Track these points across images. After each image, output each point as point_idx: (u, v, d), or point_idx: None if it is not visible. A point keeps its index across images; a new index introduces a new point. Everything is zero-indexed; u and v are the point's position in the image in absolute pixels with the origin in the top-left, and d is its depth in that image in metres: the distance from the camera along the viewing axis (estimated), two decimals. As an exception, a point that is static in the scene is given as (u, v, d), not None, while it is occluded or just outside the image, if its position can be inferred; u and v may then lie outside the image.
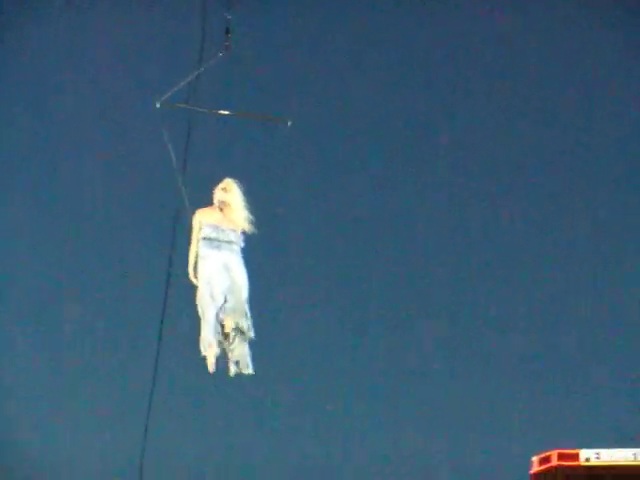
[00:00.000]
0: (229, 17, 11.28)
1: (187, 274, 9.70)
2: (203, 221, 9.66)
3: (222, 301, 9.51)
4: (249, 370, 9.67)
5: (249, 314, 9.71)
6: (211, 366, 9.53)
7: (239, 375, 9.70)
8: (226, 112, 10.93)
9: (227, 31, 11.40)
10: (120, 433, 14.11)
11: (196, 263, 9.66)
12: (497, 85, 15.52)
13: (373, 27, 15.50)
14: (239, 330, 9.64)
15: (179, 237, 10.40)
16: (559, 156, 15.23)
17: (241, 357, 9.63)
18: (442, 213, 15.37)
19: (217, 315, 9.54)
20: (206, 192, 10.01)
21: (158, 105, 10.67)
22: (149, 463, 11.34)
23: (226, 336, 9.62)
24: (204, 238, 9.60)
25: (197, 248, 9.59)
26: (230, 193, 9.73)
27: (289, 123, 10.39)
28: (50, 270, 14.93)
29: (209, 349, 9.50)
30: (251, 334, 9.79)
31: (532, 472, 32.48)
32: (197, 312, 9.74)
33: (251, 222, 9.73)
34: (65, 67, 14.97)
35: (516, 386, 15.29)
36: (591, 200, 15.75)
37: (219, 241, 9.56)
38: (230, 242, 9.57)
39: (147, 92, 14.81)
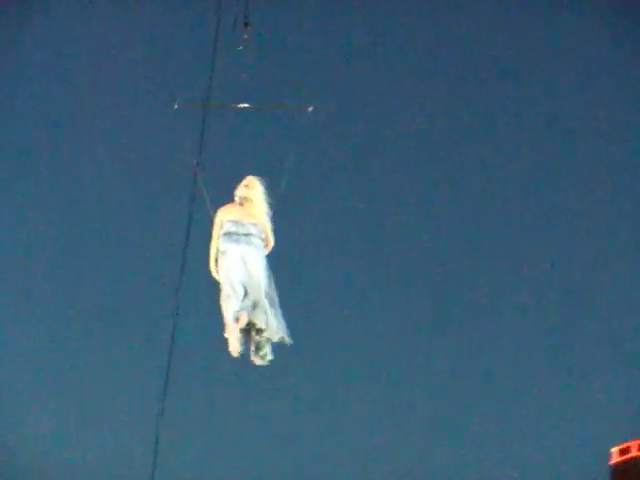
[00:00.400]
0: (248, 9, 10.98)
1: (209, 271, 9.59)
2: (224, 218, 9.57)
3: (242, 292, 9.39)
4: (266, 359, 9.54)
5: (270, 310, 9.47)
6: (235, 351, 9.38)
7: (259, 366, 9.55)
8: (245, 105, 10.68)
9: (246, 24, 11.08)
10: (130, 436, 13.71)
11: (217, 259, 9.55)
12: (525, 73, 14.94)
13: (396, 13, 15.00)
14: (254, 327, 9.44)
15: (194, 235, 10.37)
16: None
17: (260, 347, 9.48)
18: (469, 201, 14.81)
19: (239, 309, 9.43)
20: (226, 189, 9.83)
21: (176, 106, 10.45)
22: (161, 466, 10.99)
23: (243, 331, 9.46)
24: (224, 234, 9.51)
25: (217, 244, 9.51)
26: (252, 189, 9.63)
27: (310, 109, 10.08)
28: (64, 263, 14.69)
29: (231, 334, 9.40)
30: (270, 332, 9.50)
31: (612, 463, 31.76)
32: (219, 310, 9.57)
33: (270, 217, 9.60)
34: (75, 64, 14.70)
35: (594, 376, 14.64)
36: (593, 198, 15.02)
37: (238, 235, 9.45)
38: (248, 235, 9.45)
39: (161, 89, 14.47)
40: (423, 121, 14.98)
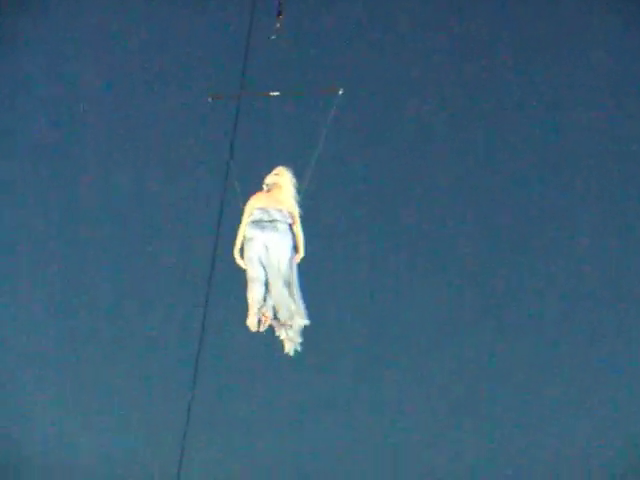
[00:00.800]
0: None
1: (234, 259, 9.73)
2: (255, 205, 9.67)
3: (264, 277, 9.52)
4: (293, 349, 9.63)
5: (293, 300, 9.56)
6: (252, 326, 9.52)
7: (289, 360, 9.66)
8: (276, 93, 10.66)
9: (279, 13, 11.04)
10: (154, 439, 13.64)
11: (243, 247, 9.66)
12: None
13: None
14: (278, 321, 9.58)
15: (225, 226, 10.23)
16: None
17: (288, 338, 9.60)
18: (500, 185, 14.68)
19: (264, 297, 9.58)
20: (258, 179, 9.91)
21: (209, 99, 10.55)
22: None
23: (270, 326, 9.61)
24: (252, 221, 9.62)
25: (244, 231, 9.64)
26: (282, 176, 9.74)
27: (340, 92, 10.06)
28: (78, 256, 14.68)
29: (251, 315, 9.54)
30: (294, 322, 9.53)
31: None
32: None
33: (297, 201, 9.72)
34: (105, 55, 14.67)
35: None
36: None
37: (263, 222, 9.55)
38: (273, 221, 9.55)
39: (194, 81, 14.42)
40: (457, 104, 14.81)
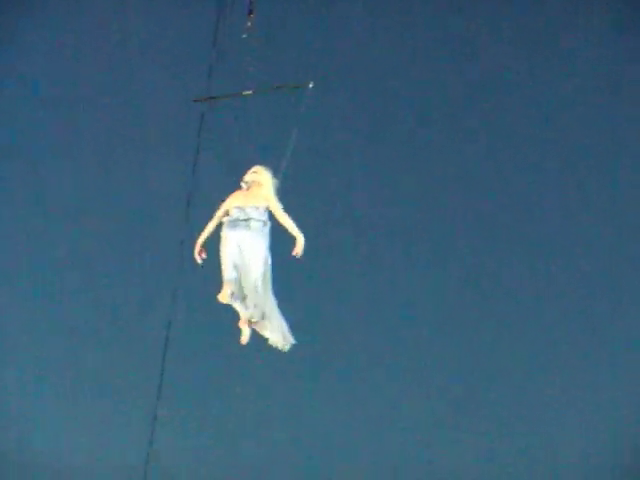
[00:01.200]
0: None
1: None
2: (232, 204, 9.58)
3: (235, 277, 9.41)
4: (283, 345, 9.59)
5: (262, 297, 9.47)
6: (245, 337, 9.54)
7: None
8: (247, 92, 10.63)
9: (250, 12, 10.99)
10: (124, 431, 13.59)
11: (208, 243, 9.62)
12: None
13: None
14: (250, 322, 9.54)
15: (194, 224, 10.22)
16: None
17: (270, 335, 9.57)
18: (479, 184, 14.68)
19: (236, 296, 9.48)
20: (233, 179, 9.81)
21: (194, 100, 10.64)
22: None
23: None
24: (228, 221, 9.54)
25: (212, 228, 9.58)
26: (260, 174, 9.66)
27: (310, 85, 10.06)
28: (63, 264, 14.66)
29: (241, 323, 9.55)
30: (272, 324, 9.51)
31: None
32: None
33: (277, 188, 9.61)
34: (70, 59, 14.65)
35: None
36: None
37: (238, 221, 9.45)
38: (248, 219, 9.44)
39: (163, 82, 14.39)
40: (429, 98, 14.81)
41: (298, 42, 13.26)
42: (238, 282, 9.36)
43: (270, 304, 9.48)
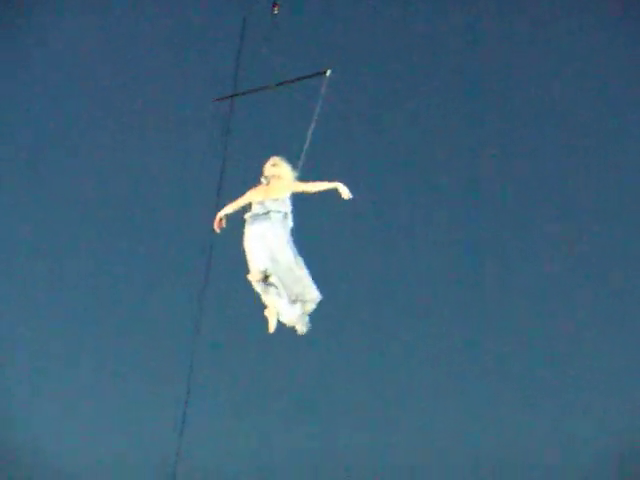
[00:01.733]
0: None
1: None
2: (254, 199, 9.66)
3: (264, 268, 9.51)
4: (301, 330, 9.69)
5: (303, 277, 9.55)
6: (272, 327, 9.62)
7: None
8: (268, 86, 10.65)
9: (274, 3, 11.02)
10: (151, 434, 13.61)
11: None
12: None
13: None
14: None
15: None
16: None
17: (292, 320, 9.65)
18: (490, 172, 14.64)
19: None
20: (257, 173, 9.83)
21: (214, 100, 10.67)
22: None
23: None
24: (250, 216, 9.60)
25: (236, 206, 9.69)
26: (279, 167, 9.71)
27: (328, 73, 9.96)
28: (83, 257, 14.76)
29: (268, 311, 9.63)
30: (309, 295, 9.58)
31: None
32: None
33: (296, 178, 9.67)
34: (90, 59, 14.76)
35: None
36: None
37: (258, 215, 9.54)
38: (267, 212, 9.51)
39: (189, 80, 14.46)
40: (445, 87, 14.78)
41: (319, 34, 13.28)
42: (275, 273, 9.46)
43: (309, 289, 9.56)
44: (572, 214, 14.80)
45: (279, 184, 9.58)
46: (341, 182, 9.30)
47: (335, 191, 9.33)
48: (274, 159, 9.72)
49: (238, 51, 11.12)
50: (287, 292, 9.52)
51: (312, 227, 9.65)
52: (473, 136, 14.96)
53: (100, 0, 14.73)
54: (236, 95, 10.92)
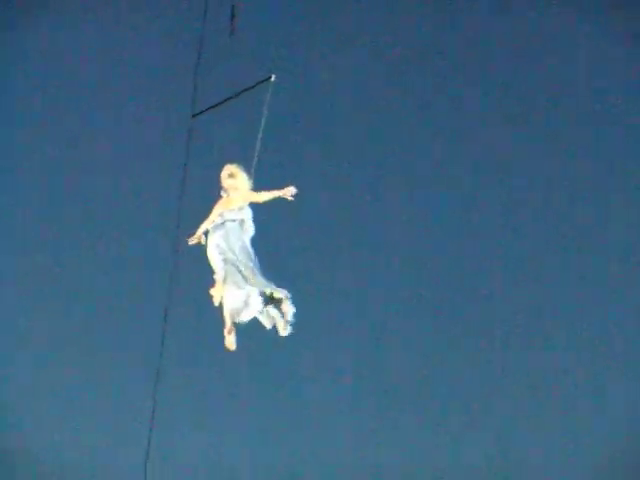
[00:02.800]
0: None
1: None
2: (216, 212, 10.00)
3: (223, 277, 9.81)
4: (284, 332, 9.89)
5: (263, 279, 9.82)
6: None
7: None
8: (224, 100, 10.82)
9: (232, 15, 11.17)
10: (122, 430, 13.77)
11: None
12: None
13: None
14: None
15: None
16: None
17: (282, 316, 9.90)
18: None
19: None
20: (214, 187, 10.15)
21: (192, 117, 10.82)
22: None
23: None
24: (210, 228, 9.97)
25: (208, 224, 9.96)
26: (237, 178, 9.98)
27: (272, 78, 10.15)
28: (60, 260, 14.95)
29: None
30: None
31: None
32: None
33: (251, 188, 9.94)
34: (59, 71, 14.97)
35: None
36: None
37: (217, 225, 9.92)
38: (224, 222, 9.89)
39: (147, 88, 14.63)
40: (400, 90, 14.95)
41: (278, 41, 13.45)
42: (238, 271, 9.75)
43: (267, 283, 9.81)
44: (572, 214, 14.89)
45: (236, 195, 9.91)
46: (293, 185, 9.57)
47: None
48: (229, 168, 9.99)
49: (196, 66, 11.29)
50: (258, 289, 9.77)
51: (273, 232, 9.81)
52: (423, 137, 15.14)
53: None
54: (212, 107, 11.05)
